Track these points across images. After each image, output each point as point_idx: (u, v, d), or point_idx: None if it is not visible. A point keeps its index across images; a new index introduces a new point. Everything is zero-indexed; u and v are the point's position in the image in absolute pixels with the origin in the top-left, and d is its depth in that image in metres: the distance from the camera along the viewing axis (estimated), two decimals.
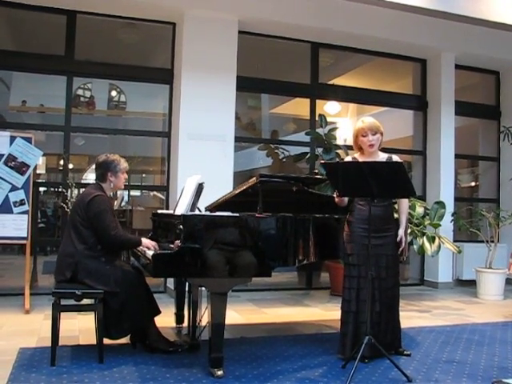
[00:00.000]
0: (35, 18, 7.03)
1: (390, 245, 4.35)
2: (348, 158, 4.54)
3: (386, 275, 4.31)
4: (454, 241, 7.91)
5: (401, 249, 4.45)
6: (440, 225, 7.13)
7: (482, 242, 7.85)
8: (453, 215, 7.99)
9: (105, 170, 4.35)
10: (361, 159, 4.38)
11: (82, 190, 7.42)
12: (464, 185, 10.85)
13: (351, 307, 4.26)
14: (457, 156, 8.65)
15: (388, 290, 4.34)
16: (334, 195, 4.36)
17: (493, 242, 7.75)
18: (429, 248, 6.76)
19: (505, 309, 6.68)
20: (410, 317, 5.97)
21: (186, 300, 4.86)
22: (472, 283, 7.91)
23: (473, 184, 10.75)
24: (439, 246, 6.85)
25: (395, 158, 4.38)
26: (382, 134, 4.42)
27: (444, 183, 8.40)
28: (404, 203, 4.55)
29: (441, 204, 7.27)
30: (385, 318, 4.32)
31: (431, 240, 6.82)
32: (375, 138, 4.35)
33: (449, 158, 8.48)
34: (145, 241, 4.29)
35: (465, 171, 10.87)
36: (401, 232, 4.43)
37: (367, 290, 4.10)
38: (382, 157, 4.43)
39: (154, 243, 4.30)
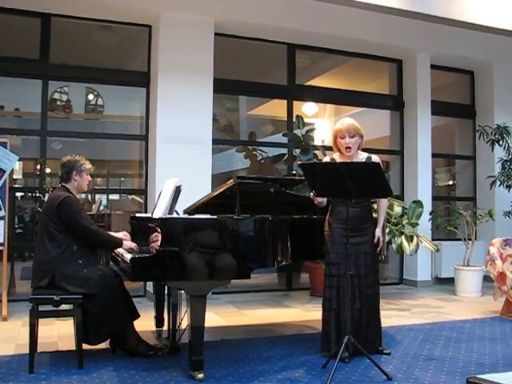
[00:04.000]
0: (8, 22, 6.94)
1: (367, 243, 4.38)
2: (326, 159, 4.55)
3: (365, 273, 4.35)
4: (432, 239, 7.99)
5: (379, 248, 4.48)
6: (418, 224, 7.18)
7: (460, 240, 7.93)
8: (431, 214, 8.06)
9: (70, 169, 4.32)
10: (339, 160, 4.40)
11: None
12: (441, 183, 10.94)
13: (332, 305, 4.28)
14: (434, 155, 8.74)
15: (368, 287, 4.38)
16: (311, 196, 4.37)
17: (470, 239, 7.83)
18: (407, 247, 6.81)
19: (482, 305, 6.76)
20: (390, 316, 6.01)
21: (166, 303, 4.84)
22: (450, 281, 7.99)
23: (450, 183, 10.84)
24: (417, 245, 6.90)
25: (375, 157, 4.40)
26: (361, 136, 4.41)
27: (421, 182, 8.47)
28: (383, 203, 4.57)
29: (418, 203, 7.32)
30: (366, 315, 4.36)
31: (409, 239, 6.87)
32: (353, 141, 4.35)
33: (426, 157, 8.56)
34: (126, 242, 4.28)
35: (442, 170, 10.96)
36: (377, 232, 4.46)
37: (347, 287, 4.15)
38: (362, 157, 4.44)
39: (134, 245, 4.29)
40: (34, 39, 6.86)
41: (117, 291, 4.17)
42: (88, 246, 4.18)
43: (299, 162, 4.41)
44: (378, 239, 4.45)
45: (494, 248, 6.28)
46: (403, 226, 7.02)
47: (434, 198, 8.76)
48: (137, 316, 4.33)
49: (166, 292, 4.86)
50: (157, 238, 3.83)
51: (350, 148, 4.35)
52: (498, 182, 8.19)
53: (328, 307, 4.32)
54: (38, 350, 4.19)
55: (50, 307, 4.02)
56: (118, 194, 12.65)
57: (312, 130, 8.06)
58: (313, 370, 4.01)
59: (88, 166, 4.41)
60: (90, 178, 4.49)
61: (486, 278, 7.35)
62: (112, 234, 4.50)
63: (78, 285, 3.99)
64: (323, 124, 10.65)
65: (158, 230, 3.74)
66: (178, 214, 4.41)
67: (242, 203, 4.01)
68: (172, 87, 6.91)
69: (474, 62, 9.02)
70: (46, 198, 6.04)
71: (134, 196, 10.02)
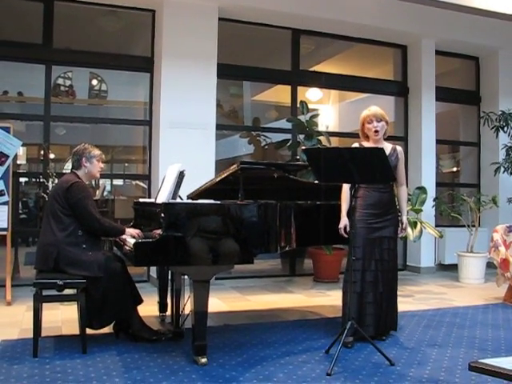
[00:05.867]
0: (11, 6, 6.91)
1: (391, 227, 4.45)
2: (355, 145, 4.54)
3: (388, 257, 4.43)
4: (436, 226, 7.98)
5: (403, 234, 4.60)
6: (422, 210, 7.17)
7: (464, 226, 7.92)
8: (434, 200, 8.04)
9: (79, 156, 4.39)
10: (367, 146, 4.46)
11: None
12: (445, 170, 10.91)
13: (356, 288, 4.29)
14: (438, 141, 8.71)
15: (390, 271, 4.46)
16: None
17: (474, 226, 7.82)
18: (411, 233, 6.80)
19: (485, 292, 6.76)
20: None
21: (169, 288, 4.86)
22: (454, 267, 7.99)
23: (454, 169, 10.81)
24: (421, 231, 6.90)
25: (399, 148, 4.57)
26: (387, 122, 4.53)
27: (425, 168, 8.46)
28: (403, 191, 4.66)
29: (422, 189, 7.31)
30: (386, 299, 4.42)
31: (413, 225, 6.86)
32: (380, 125, 4.45)
33: (430, 143, 8.54)
34: (129, 230, 4.32)
35: (446, 156, 10.93)
36: (405, 219, 4.57)
37: (371, 271, 4.32)
38: (387, 145, 4.51)
39: (137, 231, 4.32)
40: (37, 24, 6.82)
41: (120, 276, 4.18)
42: (92, 233, 4.20)
43: (303, 148, 4.41)
44: (405, 226, 4.56)
45: (498, 234, 6.27)
46: (407, 212, 7.00)
47: (438, 185, 8.76)
48: (140, 301, 4.35)
49: (169, 277, 4.87)
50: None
51: (377, 131, 4.45)
52: (502, 169, 8.17)
53: (352, 290, 4.24)
54: (42, 335, 4.21)
55: (53, 292, 4.03)
56: (122, 179, 12.66)
57: (316, 115, 8.04)
58: (315, 356, 4.02)
59: (97, 152, 4.46)
60: (102, 165, 4.54)
61: (490, 265, 7.36)
62: (117, 224, 4.53)
63: (81, 268, 4.01)
64: (327, 110, 10.63)
65: (162, 214, 3.73)
66: (181, 199, 4.42)
67: (245, 189, 4.01)
68: (176, 72, 6.88)
69: (479, 47, 8.96)
70: (49, 183, 6.05)
71: (137, 181, 10.03)
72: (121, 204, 9.21)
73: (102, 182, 10.03)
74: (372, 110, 4.49)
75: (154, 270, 6.36)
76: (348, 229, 4.33)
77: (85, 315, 3.99)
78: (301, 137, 7.69)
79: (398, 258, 8.54)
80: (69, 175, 4.38)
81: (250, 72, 8.01)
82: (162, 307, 5.05)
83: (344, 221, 4.38)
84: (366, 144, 4.52)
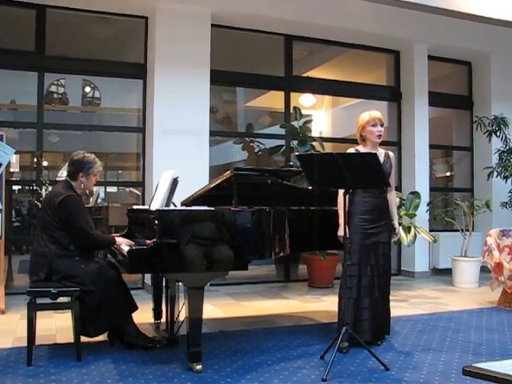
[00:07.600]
0: (3, 13, 6.89)
1: (385, 232, 4.45)
2: (351, 150, 4.54)
3: (383, 262, 4.44)
4: (430, 230, 8.00)
5: (395, 239, 4.61)
6: (415, 215, 7.18)
7: (457, 230, 7.94)
8: (428, 205, 8.06)
9: (77, 169, 4.29)
10: (363, 151, 4.46)
11: None
12: (439, 175, 10.95)
13: (352, 294, 4.30)
14: (431, 146, 8.74)
15: (384, 276, 4.47)
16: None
17: (468, 230, 7.84)
18: (405, 238, 6.81)
19: (480, 296, 6.77)
20: None
21: (164, 295, 4.85)
22: (448, 272, 8.00)
23: (447, 174, 10.85)
24: (415, 236, 6.90)
25: (391, 154, 4.59)
26: None
27: (419, 173, 8.48)
28: (394, 195, 4.66)
29: (416, 194, 7.32)
30: (381, 304, 4.43)
31: (407, 230, 6.87)
32: (382, 130, 4.47)
33: (423, 148, 8.56)
34: (119, 239, 4.30)
35: (439, 161, 10.97)
36: (396, 224, 4.59)
37: (367, 277, 4.32)
38: (381, 151, 4.52)
39: (127, 241, 4.31)
40: (30, 31, 6.82)
41: (115, 283, 4.16)
42: (83, 247, 4.18)
43: (296, 154, 4.40)
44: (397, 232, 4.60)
45: (491, 239, 6.29)
46: (401, 217, 7.02)
47: (432, 189, 8.78)
48: (135, 308, 4.32)
49: (164, 284, 4.86)
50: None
51: (381, 136, 4.45)
52: (495, 173, 8.19)
53: (348, 295, 4.26)
54: (37, 343, 4.20)
55: (47, 300, 4.02)
56: (116, 186, 12.66)
57: (309, 121, 8.08)
58: (311, 361, 4.02)
59: (97, 168, 4.37)
60: (97, 178, 4.47)
61: (483, 269, 7.38)
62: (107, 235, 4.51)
63: (74, 281, 3.98)
64: (321, 115, 10.65)
65: (155, 221, 3.73)
66: (175, 205, 4.41)
67: (239, 195, 4.01)
68: (169, 79, 6.88)
69: (471, 52, 9.00)
70: (43, 191, 6.03)
71: (131, 188, 10.03)
72: (115, 211, 9.20)
73: (95, 189, 10.03)
74: (378, 114, 4.47)
75: (148, 277, 6.35)
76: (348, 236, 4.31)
77: (79, 323, 3.97)
78: (294, 142, 7.70)
79: (393, 262, 8.63)
80: (61, 186, 4.28)
81: (243, 78, 8.02)
82: (157, 314, 5.03)
83: (343, 229, 4.33)
84: (362, 148, 4.51)
